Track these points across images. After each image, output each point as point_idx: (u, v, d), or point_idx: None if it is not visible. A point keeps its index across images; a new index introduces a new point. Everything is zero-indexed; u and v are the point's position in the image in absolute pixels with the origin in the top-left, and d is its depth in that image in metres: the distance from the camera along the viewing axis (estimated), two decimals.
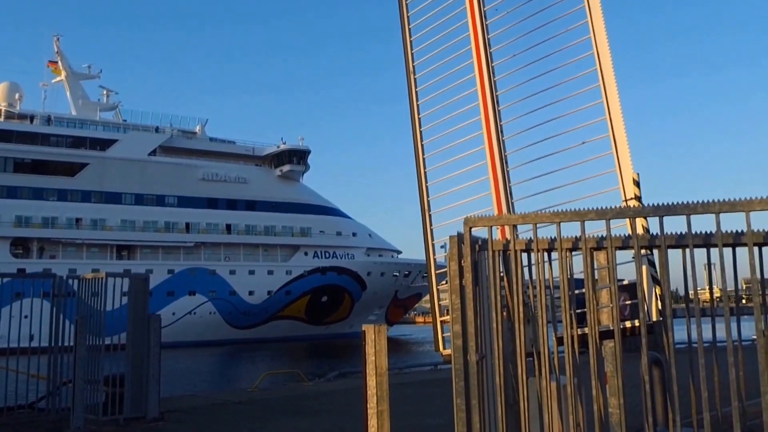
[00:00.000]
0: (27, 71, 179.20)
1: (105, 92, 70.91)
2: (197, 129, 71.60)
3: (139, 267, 60.02)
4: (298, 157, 71.74)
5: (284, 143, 72.15)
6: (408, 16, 10.30)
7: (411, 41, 10.30)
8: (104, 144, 63.98)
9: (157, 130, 68.27)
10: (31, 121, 63.49)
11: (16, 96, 64.45)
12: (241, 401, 14.11)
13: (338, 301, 70.07)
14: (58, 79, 69.24)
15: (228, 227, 67.62)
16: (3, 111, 63.15)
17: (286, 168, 70.91)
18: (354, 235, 73.29)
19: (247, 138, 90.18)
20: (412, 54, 10.27)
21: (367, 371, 6.74)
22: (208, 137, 71.88)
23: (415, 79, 10.19)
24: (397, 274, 71.88)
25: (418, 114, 10.08)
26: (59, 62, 69.04)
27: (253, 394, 15.42)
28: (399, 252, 77.22)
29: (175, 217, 65.19)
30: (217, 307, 64.38)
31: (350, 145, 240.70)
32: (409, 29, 10.31)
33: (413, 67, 10.24)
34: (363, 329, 6.96)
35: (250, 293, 66.21)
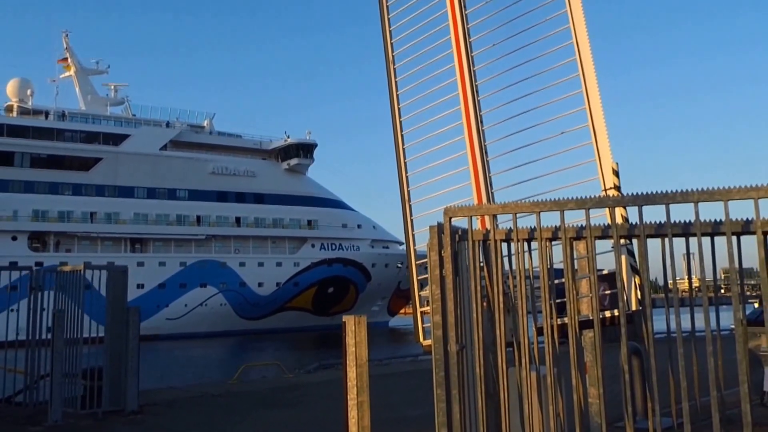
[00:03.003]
0: (32, 66, 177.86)
1: (113, 87, 71.50)
2: (205, 123, 72.53)
3: (152, 259, 62.33)
4: (305, 150, 72.78)
5: (288, 137, 73.17)
6: (387, 6, 10.23)
7: (390, 31, 10.25)
8: (117, 139, 64.78)
9: (167, 124, 69.04)
10: (46, 116, 64.20)
11: (28, 92, 64.84)
12: (220, 394, 14.03)
13: (344, 292, 71.40)
14: (66, 74, 69.65)
15: (237, 220, 68.62)
16: (15, 107, 63.87)
17: (293, 162, 71.93)
18: (359, 227, 74.45)
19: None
20: (391, 44, 10.22)
21: (348, 362, 6.70)
22: (217, 131, 72.84)
23: (394, 69, 10.15)
24: (401, 265, 72.64)
25: (398, 104, 10.04)
26: (69, 58, 69.48)
27: (233, 387, 15.34)
28: (401, 243, 78.02)
29: (186, 210, 66.02)
30: (227, 299, 65.46)
31: (347, 136, 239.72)
32: (389, 19, 10.25)
33: (393, 56, 10.19)
34: (343, 320, 6.91)
35: (260, 285, 67.28)
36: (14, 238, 58.47)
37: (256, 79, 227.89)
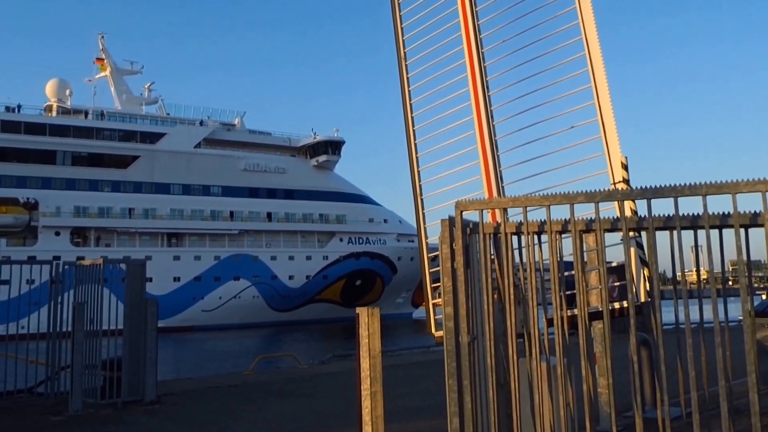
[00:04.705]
0: (65, 66, 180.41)
1: (146, 87, 73.77)
2: (236, 121, 74.63)
3: (187, 254, 65.03)
4: (333, 147, 74.81)
5: (315, 134, 74.98)
6: (399, 2, 10.28)
7: (402, 28, 10.30)
8: (153, 137, 67.08)
9: (201, 123, 71.12)
10: (86, 116, 66.40)
11: (66, 92, 67.00)
12: (236, 384, 14.24)
13: (371, 285, 73.36)
14: (101, 74, 71.84)
15: (269, 215, 70.95)
16: (55, 107, 66.16)
17: (322, 158, 73.99)
18: (385, 221, 76.40)
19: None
20: (403, 41, 10.27)
21: (361, 353, 6.82)
22: (247, 129, 74.88)
23: (406, 65, 10.19)
24: (433, 258, 73.34)
25: (410, 100, 10.09)
26: (104, 59, 71.78)
27: (249, 377, 15.56)
28: (426, 237, 78.69)
29: (220, 206, 68.32)
30: (260, 291, 67.67)
31: (360, 127, 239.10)
32: (400, 16, 10.30)
33: (404, 53, 10.25)
34: (357, 312, 7.03)
35: (290, 278, 69.53)
36: (57, 234, 60.85)
37: (266, 72, 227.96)
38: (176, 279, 63.12)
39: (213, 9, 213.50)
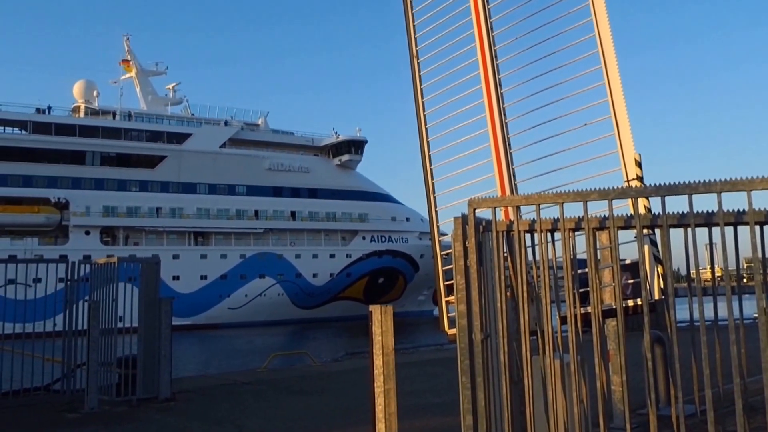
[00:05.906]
0: (88, 68, 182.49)
1: (171, 87, 74.99)
2: (260, 121, 75.81)
3: (214, 252, 66.37)
4: (355, 147, 75.87)
5: (338, 134, 76.12)
6: (411, 1, 10.31)
7: (414, 26, 10.32)
8: (180, 138, 68.19)
9: (226, 123, 72.19)
10: (114, 117, 67.75)
11: (94, 93, 68.35)
12: (250, 381, 14.32)
13: (393, 283, 74.26)
14: (127, 76, 73.12)
15: (293, 214, 72.06)
16: (82, 108, 67.44)
17: (345, 158, 75.05)
18: (407, 220, 77.37)
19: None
20: (415, 38, 10.29)
21: (374, 351, 6.84)
22: (271, 129, 75.97)
23: (418, 63, 10.21)
24: (446, 256, 74.06)
25: (422, 98, 10.11)
26: (130, 60, 73.08)
27: (262, 375, 15.64)
28: (445, 234, 79.23)
29: (245, 205, 69.51)
30: (284, 289, 68.84)
31: (372, 123, 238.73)
32: (413, 14, 10.32)
33: (416, 51, 10.27)
34: (370, 310, 7.06)
35: (314, 276, 70.60)
36: (87, 233, 62.04)
37: (283, 68, 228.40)
38: (203, 277, 64.35)
39: (224, 6, 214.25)
